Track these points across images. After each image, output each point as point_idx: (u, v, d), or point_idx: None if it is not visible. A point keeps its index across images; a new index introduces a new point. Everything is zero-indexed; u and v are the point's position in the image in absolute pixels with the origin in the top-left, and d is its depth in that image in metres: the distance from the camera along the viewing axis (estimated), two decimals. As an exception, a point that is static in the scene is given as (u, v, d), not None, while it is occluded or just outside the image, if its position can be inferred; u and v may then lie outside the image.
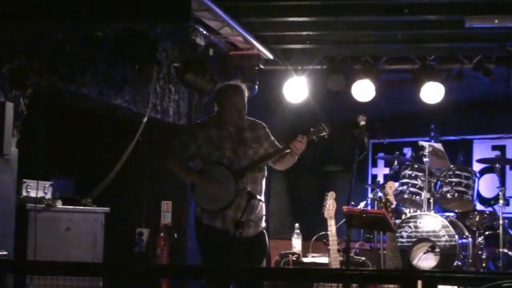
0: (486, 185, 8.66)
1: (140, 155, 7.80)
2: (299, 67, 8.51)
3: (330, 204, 6.38)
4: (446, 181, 7.79)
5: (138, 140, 6.96)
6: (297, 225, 8.23)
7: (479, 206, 8.07)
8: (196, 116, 8.06)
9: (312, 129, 5.22)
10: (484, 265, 7.51)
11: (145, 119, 7.02)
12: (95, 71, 6.29)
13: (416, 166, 7.99)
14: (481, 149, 9.07)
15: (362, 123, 5.61)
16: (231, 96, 5.26)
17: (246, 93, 5.32)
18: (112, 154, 7.13)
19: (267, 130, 5.40)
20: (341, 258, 6.36)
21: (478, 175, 8.03)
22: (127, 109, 6.92)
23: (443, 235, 7.38)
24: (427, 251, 7.29)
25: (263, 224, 5.36)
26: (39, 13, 5.30)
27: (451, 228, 7.37)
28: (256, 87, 8.26)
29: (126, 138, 7.00)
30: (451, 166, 7.91)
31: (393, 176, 8.10)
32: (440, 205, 8.06)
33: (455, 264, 7.28)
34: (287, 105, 8.69)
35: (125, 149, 6.84)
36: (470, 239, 7.55)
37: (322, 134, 5.21)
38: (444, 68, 8.31)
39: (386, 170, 9.47)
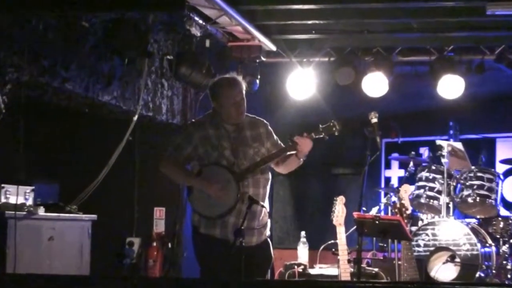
0: (511, 188, 8.65)
1: (130, 157, 7.80)
2: (304, 60, 8.50)
3: (339, 210, 6.37)
4: (467, 184, 7.78)
5: (127, 140, 6.96)
6: (303, 233, 8.22)
7: (503, 211, 8.06)
8: (192, 114, 8.06)
9: (321, 126, 5.21)
10: (509, 276, 7.50)
11: (135, 118, 7.02)
12: (80, 65, 6.29)
13: (433, 167, 7.98)
14: (505, 149, 9.07)
15: (374, 120, 5.60)
16: (226, 90, 5.26)
17: (244, 86, 5.31)
18: (100, 156, 7.13)
19: (269, 128, 5.39)
20: (352, 270, 6.35)
21: (502, 177, 8.02)
22: (116, 106, 6.92)
23: (464, 244, 7.37)
24: (447, 261, 7.29)
25: (267, 232, 5.36)
26: (19, 1, 5.31)
27: (473, 236, 7.37)
28: (257, 81, 8.25)
29: (115, 138, 7.00)
30: (472, 167, 7.91)
31: (409, 179, 8.09)
32: (460, 211, 8.05)
33: (477, 275, 7.27)
34: (291, 102, 8.69)
35: (113, 151, 6.84)
36: (493, 248, 7.54)
37: (332, 131, 5.20)
38: (464, 60, 8.30)
39: (401, 172, 9.47)
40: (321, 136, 5.19)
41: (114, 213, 7.73)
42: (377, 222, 5.44)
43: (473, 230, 7.49)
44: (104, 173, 6.78)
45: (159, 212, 8.05)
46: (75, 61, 6.22)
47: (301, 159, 5.27)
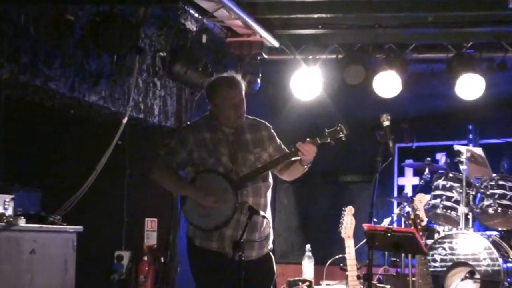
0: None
1: (120, 163, 7.80)
2: (310, 57, 8.50)
3: (348, 221, 6.37)
4: (488, 193, 7.78)
5: (116, 144, 6.96)
6: (308, 246, 8.22)
7: (527, 223, 8.06)
8: (186, 116, 8.07)
9: (327, 130, 5.21)
10: (533, 294, 7.50)
11: (125, 120, 7.02)
12: (65, 62, 6.30)
13: (451, 175, 7.97)
14: (530, 154, 9.06)
15: (386, 123, 5.59)
16: (224, 90, 5.26)
17: (244, 86, 5.31)
18: (86, 161, 7.13)
19: (272, 131, 5.39)
20: (362, 286, 6.34)
21: (526, 185, 8.02)
22: (104, 107, 6.93)
23: (484, 258, 7.36)
24: (465, 278, 7.28)
25: (269, 245, 5.36)
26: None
27: (494, 250, 7.36)
28: (258, 80, 8.26)
29: (103, 142, 7.00)
30: (493, 175, 7.90)
31: (424, 187, 8.09)
32: (480, 222, 8.04)
33: (498, 293, 7.27)
34: (295, 103, 8.69)
35: (101, 156, 6.84)
36: (516, 263, 7.55)
37: (339, 136, 5.20)
38: (484, 57, 8.31)
39: (415, 180, 9.47)
40: (327, 141, 5.19)
41: (102, 224, 7.73)
42: (389, 234, 5.42)
43: (494, 243, 7.48)
44: (91, 181, 6.79)
45: (150, 223, 8.04)
46: (59, 58, 6.23)
47: (306, 167, 5.27)
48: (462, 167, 7.82)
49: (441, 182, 8.00)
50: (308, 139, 5.15)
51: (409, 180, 9.71)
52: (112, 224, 7.98)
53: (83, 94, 6.58)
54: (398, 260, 8.12)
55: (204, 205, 5.16)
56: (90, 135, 7.62)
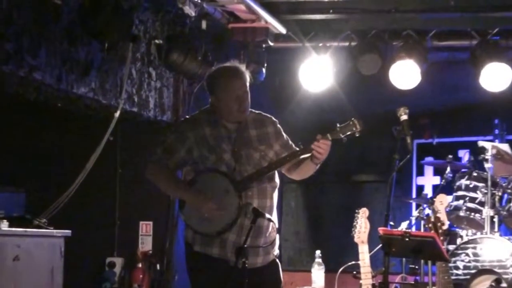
0: None
1: (111, 161, 7.82)
2: (320, 45, 8.51)
3: (361, 225, 6.38)
4: (516, 193, 7.80)
5: (108, 141, 6.96)
6: (318, 252, 8.22)
7: (558, 227, 8.07)
8: (185, 109, 8.08)
9: (339, 126, 5.21)
10: None
11: (117, 114, 7.02)
12: (51, 51, 6.30)
13: (475, 174, 7.98)
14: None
15: (404, 118, 5.58)
16: (226, 81, 5.26)
17: (248, 77, 5.31)
18: (74, 160, 7.14)
19: (278, 126, 5.40)
20: (377, 296, 6.36)
21: (557, 185, 8.02)
22: (94, 100, 6.93)
23: (512, 265, 7.38)
24: (491, 286, 7.28)
25: (275, 251, 5.36)
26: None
27: (522, 256, 7.37)
28: (264, 70, 8.26)
29: (93, 138, 7.00)
30: (522, 173, 7.92)
31: (445, 188, 8.08)
32: (507, 226, 8.05)
33: (527, 303, 7.28)
34: (304, 95, 8.70)
35: (91, 154, 6.84)
36: (547, 271, 7.55)
37: (352, 132, 5.20)
38: (511, 45, 8.30)
39: (436, 180, 9.47)
40: (339, 137, 5.19)
41: (92, 228, 7.75)
42: (407, 239, 5.42)
43: (522, 249, 7.49)
44: (80, 180, 6.79)
45: (145, 227, 8.06)
46: (45, 46, 6.23)
47: (318, 164, 5.27)
48: (487, 165, 7.82)
49: (464, 181, 8.01)
50: (318, 135, 5.15)
51: (429, 180, 9.71)
52: (103, 228, 7.99)
53: (71, 85, 6.57)
54: (417, 267, 8.14)
55: (203, 212, 5.16)
56: (78, 131, 7.63)
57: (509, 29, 8.29)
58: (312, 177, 5.48)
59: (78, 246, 6.90)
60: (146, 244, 8.03)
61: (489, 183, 7.77)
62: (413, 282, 8.15)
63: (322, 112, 8.67)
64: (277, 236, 5.40)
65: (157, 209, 7.96)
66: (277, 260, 5.40)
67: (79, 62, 6.63)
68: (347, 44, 8.51)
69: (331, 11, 8.13)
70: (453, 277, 6.93)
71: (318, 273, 8.12)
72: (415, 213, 8.54)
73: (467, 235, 7.84)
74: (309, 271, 8.19)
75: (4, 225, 6.09)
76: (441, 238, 6.06)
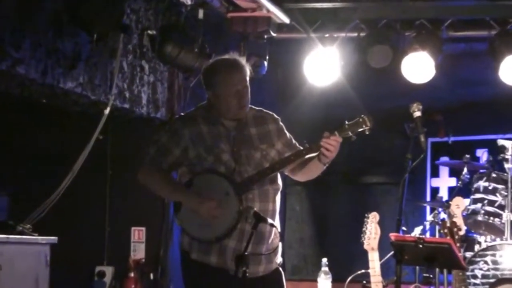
0: None
1: (101, 162, 7.80)
2: (327, 35, 8.50)
3: (371, 231, 6.37)
4: (538, 196, 7.79)
5: (97, 140, 6.96)
6: (324, 260, 8.22)
7: None
8: (180, 105, 8.08)
9: (347, 123, 5.20)
10: None
11: (107, 111, 7.02)
12: (35, 42, 6.29)
13: (494, 175, 7.97)
14: None
15: (417, 114, 5.59)
16: (225, 75, 5.25)
17: (248, 71, 5.30)
18: (61, 160, 7.13)
19: (281, 123, 5.39)
20: (388, 307, 6.35)
21: None
22: (82, 96, 6.92)
23: (534, 274, 7.37)
24: (512, 297, 7.29)
25: (278, 259, 5.36)
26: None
27: (546, 264, 7.37)
28: (266, 63, 8.26)
29: (81, 137, 7.00)
30: (546, 174, 7.90)
31: (462, 190, 8.09)
32: (529, 231, 8.04)
33: (550, 315, 7.27)
34: (310, 90, 8.69)
35: (79, 154, 6.84)
36: None
37: (361, 130, 5.19)
38: (534, 35, 8.31)
39: (452, 182, 9.47)
40: (348, 135, 5.18)
41: (80, 234, 7.74)
42: (420, 246, 5.42)
43: (546, 256, 7.48)
44: (67, 183, 6.78)
45: (137, 234, 8.05)
46: (28, 38, 6.22)
47: (326, 165, 5.25)
48: (507, 166, 7.81)
49: (482, 183, 8.00)
50: (325, 133, 5.13)
51: (444, 182, 9.71)
52: (92, 235, 7.99)
53: (57, 80, 6.57)
54: (431, 276, 8.13)
55: (202, 214, 5.15)
56: (65, 129, 7.62)
57: (531, 18, 8.29)
58: (317, 178, 5.47)
59: (65, 254, 6.89)
60: (138, 251, 8.02)
61: (510, 185, 7.75)
62: (427, 292, 8.15)
63: (328, 108, 8.67)
64: (280, 243, 5.39)
65: (151, 214, 7.96)
66: (280, 269, 5.39)
67: (65, 55, 6.63)
68: (355, 34, 8.51)
69: (338, -1, 8.16)
70: (470, 287, 6.92)
71: (324, 282, 8.12)
72: (429, 217, 8.53)
73: (485, 241, 7.84)
74: (315, 280, 8.19)
75: (-15, 232, 6.10)
76: (458, 244, 6.06)
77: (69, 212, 7.33)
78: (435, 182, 9.82)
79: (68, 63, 6.66)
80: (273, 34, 8.37)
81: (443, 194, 9.46)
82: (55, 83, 6.57)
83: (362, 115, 5.21)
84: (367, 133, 5.20)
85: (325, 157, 5.17)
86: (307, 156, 5.24)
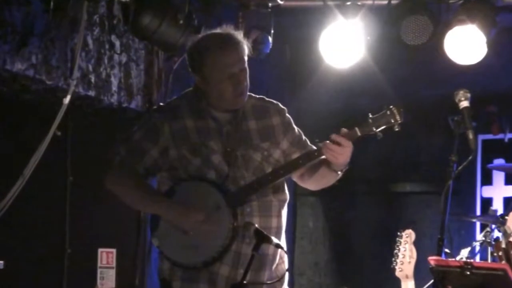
0: None
1: (59, 165, 7.81)
2: (349, 3, 8.50)
3: (405, 253, 6.37)
4: None
5: (54, 137, 6.97)
6: (345, 290, 8.27)
7: None
8: (160, 93, 8.09)
9: (371, 116, 5.20)
10: None
11: (67, 100, 7.03)
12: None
13: (562, 183, 7.99)
14: None
15: (464, 104, 5.60)
16: (217, 55, 5.28)
17: (247, 49, 5.31)
18: (9, 163, 7.14)
19: (288, 116, 5.42)
20: None
21: None
22: (35, 80, 6.93)
23: None
24: None
25: (285, 289, 5.38)
26: None
27: None
28: (270, 39, 8.25)
29: (34, 133, 7.01)
30: None
31: (522, 202, 8.12)
32: None
33: None
34: (326, 73, 8.69)
35: (31, 154, 6.85)
36: None
37: (390, 125, 5.19)
38: None
39: (509, 191, 9.47)
40: (372, 132, 5.18)
41: (32, 257, 7.74)
42: (468, 272, 5.44)
43: None
44: (16, 192, 6.79)
45: (106, 256, 8.07)
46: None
47: (340, 172, 5.25)
48: None
49: (547, 193, 8.03)
50: (343, 130, 5.13)
51: (499, 191, 9.73)
52: (48, 258, 7.98)
53: (3, 60, 6.58)
54: (481, 310, 8.14)
55: (186, 228, 5.16)
56: (14, 123, 7.62)
57: None
58: (336, 187, 5.48)
59: (13, 282, 6.91)
60: (107, 279, 8.04)
61: None
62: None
63: (349, 97, 8.68)
64: (288, 269, 5.41)
65: (123, 232, 7.99)
66: (288, 303, 5.42)
67: (14, 29, 6.63)
68: (385, 2, 8.50)
69: (363, -44, 8.17)
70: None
71: (345, 319, 8.15)
72: (479, 236, 8.55)
73: (551, 267, 7.86)
74: (333, 315, 8.23)
75: None
76: (516, 271, 6.07)
77: (19, 230, 7.33)
78: (487, 192, 9.83)
79: (17, 39, 6.67)
80: (280, 2, 8.37)
81: (498, 206, 9.47)
82: (0, 64, 6.58)
83: (391, 106, 5.22)
84: (397, 129, 5.21)
85: (334, 163, 5.16)
86: (318, 159, 5.23)
